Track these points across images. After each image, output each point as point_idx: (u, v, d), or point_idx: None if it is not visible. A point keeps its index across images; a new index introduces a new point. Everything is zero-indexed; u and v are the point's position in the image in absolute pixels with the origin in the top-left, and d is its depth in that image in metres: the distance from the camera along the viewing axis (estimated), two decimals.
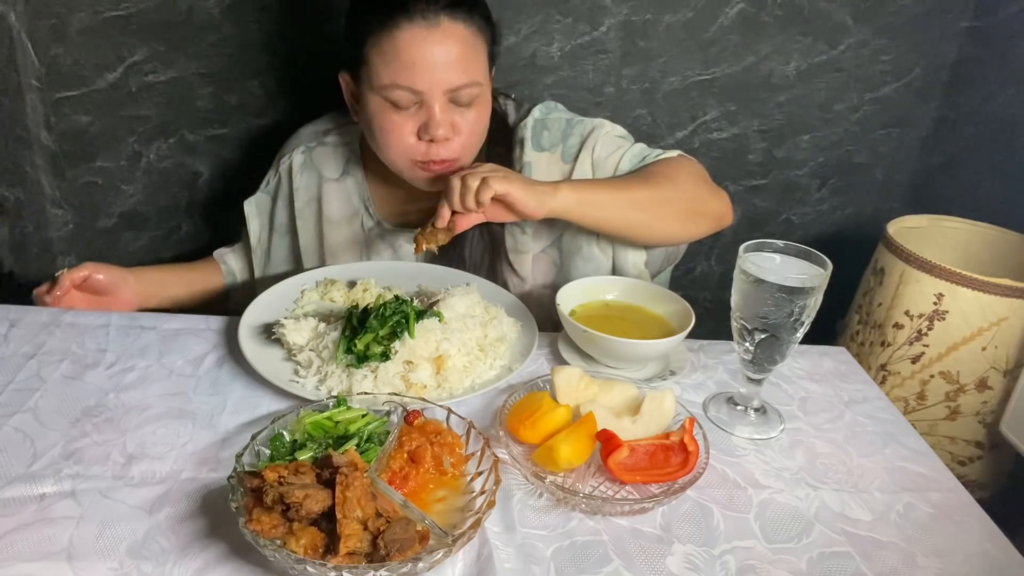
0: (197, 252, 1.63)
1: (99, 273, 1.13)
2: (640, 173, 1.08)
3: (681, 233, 1.07)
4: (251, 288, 1.32)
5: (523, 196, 0.96)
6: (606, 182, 1.04)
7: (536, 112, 1.19)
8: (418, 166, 1.09)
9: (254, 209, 1.32)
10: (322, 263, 1.28)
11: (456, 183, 0.97)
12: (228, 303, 1.36)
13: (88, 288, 1.14)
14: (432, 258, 1.21)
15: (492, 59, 1.12)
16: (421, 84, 1.02)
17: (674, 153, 1.14)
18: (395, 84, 1.03)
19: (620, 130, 1.18)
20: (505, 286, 1.18)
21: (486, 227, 1.18)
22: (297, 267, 1.33)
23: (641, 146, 1.15)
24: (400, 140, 1.07)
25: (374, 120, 1.08)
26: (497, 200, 0.97)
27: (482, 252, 1.20)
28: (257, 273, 1.35)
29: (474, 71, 1.05)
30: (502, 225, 1.19)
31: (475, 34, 1.05)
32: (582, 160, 1.13)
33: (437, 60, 1.01)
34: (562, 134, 1.17)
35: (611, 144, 1.14)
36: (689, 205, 1.03)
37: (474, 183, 0.95)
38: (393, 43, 1.01)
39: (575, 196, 1.00)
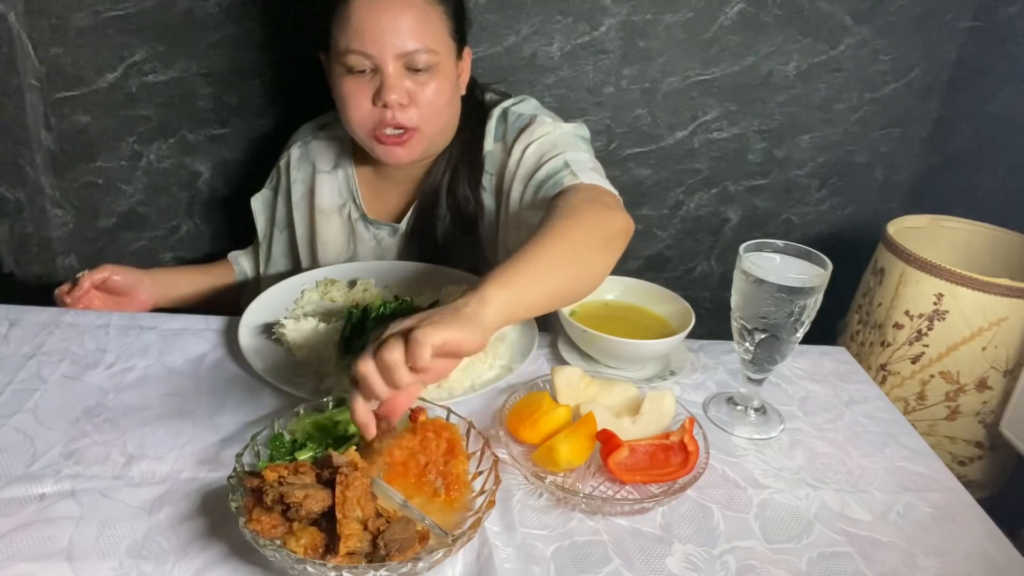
0: (197, 252, 1.64)
1: (117, 275, 1.18)
2: (547, 225, 0.88)
3: (607, 263, 0.91)
4: (260, 287, 1.33)
5: (463, 335, 0.68)
6: (520, 255, 0.81)
7: (505, 103, 1.20)
8: (377, 138, 1.10)
9: (260, 205, 1.36)
10: (314, 255, 1.30)
11: (367, 366, 0.67)
12: (240, 304, 1.37)
13: (106, 289, 1.18)
14: (405, 240, 1.24)
15: (459, 33, 1.13)
16: (372, 48, 1.04)
17: (576, 180, 1.03)
18: (349, 49, 1.05)
19: (560, 134, 1.12)
20: (476, 270, 1.18)
21: (456, 207, 1.19)
22: (294, 261, 1.35)
23: (563, 160, 1.07)
24: (358, 106, 1.08)
25: (336, 89, 1.11)
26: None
27: (453, 231, 1.21)
28: (261, 269, 1.38)
29: (428, 38, 1.06)
30: (474, 212, 1.20)
31: (431, 2, 1.07)
32: (514, 152, 1.13)
33: (387, 25, 1.04)
34: (511, 127, 1.17)
35: (539, 149, 1.12)
36: (600, 233, 0.90)
37: (394, 354, 0.66)
38: (347, 11, 1.05)
39: (506, 292, 0.75)
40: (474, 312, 0.71)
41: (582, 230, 0.88)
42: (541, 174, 1.08)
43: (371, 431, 0.70)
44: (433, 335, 0.66)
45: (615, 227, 0.92)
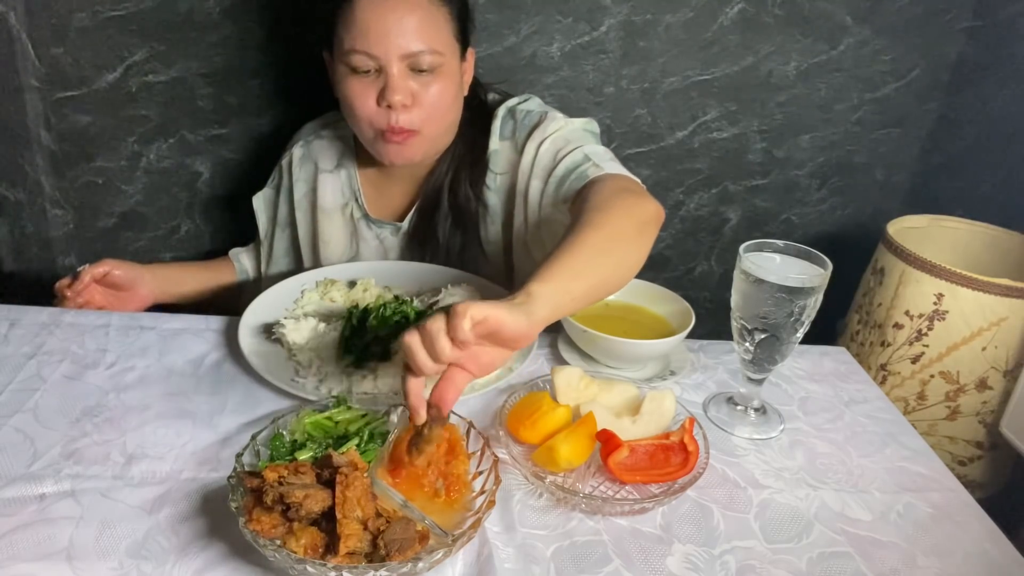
0: (197, 252, 1.64)
1: (118, 269, 1.18)
2: (582, 218, 0.89)
3: (643, 250, 0.91)
4: (261, 285, 1.33)
5: (505, 315, 0.69)
6: (559, 250, 0.82)
7: (510, 102, 1.20)
8: (381, 138, 1.10)
9: (261, 204, 1.36)
10: (316, 254, 1.30)
11: (412, 336, 0.70)
12: (240, 301, 1.37)
13: (107, 283, 1.18)
14: (407, 240, 1.24)
15: (463, 34, 1.13)
16: (377, 49, 1.04)
17: (601, 171, 1.04)
18: (353, 49, 1.05)
19: (571, 129, 1.13)
20: (476, 271, 1.19)
21: (458, 206, 1.19)
22: (296, 260, 1.35)
23: (582, 153, 1.08)
24: (363, 106, 1.08)
25: (340, 88, 1.11)
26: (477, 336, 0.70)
27: (455, 231, 1.21)
28: (262, 268, 1.38)
29: (432, 39, 1.06)
30: (476, 212, 1.20)
31: (437, 4, 1.07)
32: (527, 150, 1.13)
33: (393, 26, 1.03)
34: (521, 125, 1.17)
35: (554, 145, 1.12)
36: (634, 221, 0.91)
37: (437, 324, 0.69)
38: (352, 10, 1.05)
39: (550, 287, 0.76)
40: (521, 303, 0.73)
41: (616, 219, 0.90)
42: (561, 169, 1.08)
43: (421, 415, 0.72)
44: (473, 308, 0.68)
45: (647, 214, 0.93)
